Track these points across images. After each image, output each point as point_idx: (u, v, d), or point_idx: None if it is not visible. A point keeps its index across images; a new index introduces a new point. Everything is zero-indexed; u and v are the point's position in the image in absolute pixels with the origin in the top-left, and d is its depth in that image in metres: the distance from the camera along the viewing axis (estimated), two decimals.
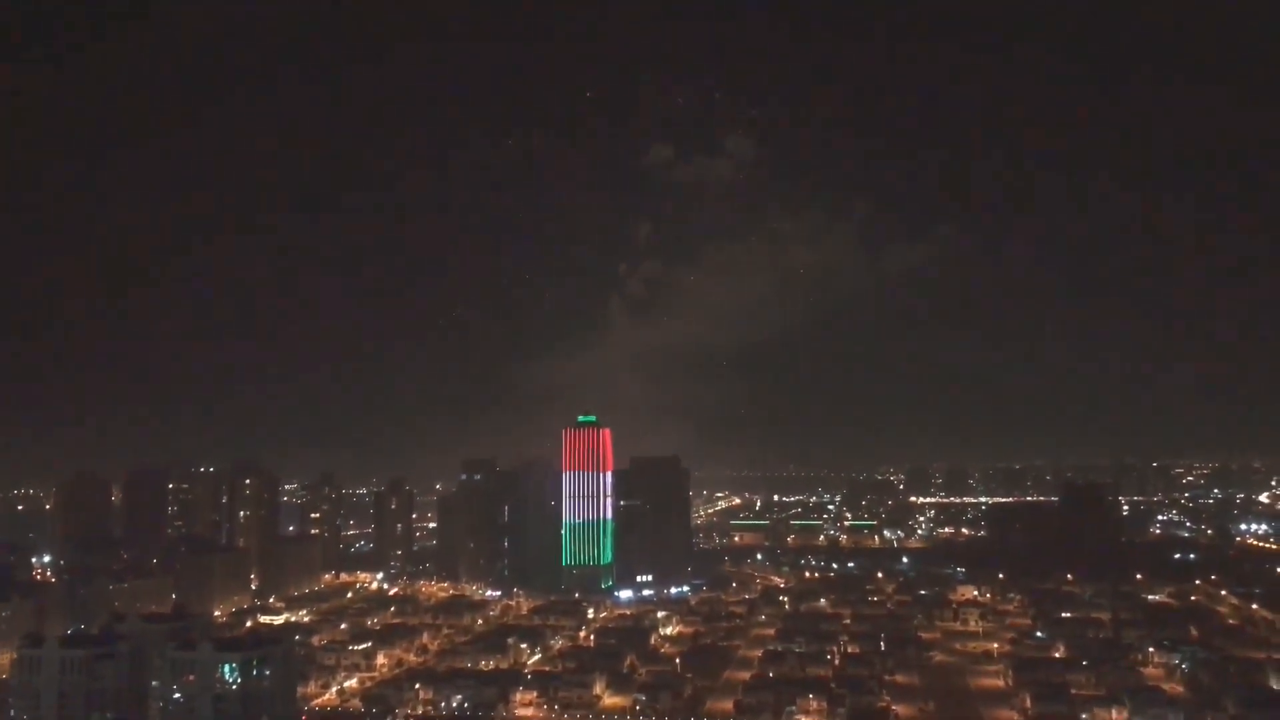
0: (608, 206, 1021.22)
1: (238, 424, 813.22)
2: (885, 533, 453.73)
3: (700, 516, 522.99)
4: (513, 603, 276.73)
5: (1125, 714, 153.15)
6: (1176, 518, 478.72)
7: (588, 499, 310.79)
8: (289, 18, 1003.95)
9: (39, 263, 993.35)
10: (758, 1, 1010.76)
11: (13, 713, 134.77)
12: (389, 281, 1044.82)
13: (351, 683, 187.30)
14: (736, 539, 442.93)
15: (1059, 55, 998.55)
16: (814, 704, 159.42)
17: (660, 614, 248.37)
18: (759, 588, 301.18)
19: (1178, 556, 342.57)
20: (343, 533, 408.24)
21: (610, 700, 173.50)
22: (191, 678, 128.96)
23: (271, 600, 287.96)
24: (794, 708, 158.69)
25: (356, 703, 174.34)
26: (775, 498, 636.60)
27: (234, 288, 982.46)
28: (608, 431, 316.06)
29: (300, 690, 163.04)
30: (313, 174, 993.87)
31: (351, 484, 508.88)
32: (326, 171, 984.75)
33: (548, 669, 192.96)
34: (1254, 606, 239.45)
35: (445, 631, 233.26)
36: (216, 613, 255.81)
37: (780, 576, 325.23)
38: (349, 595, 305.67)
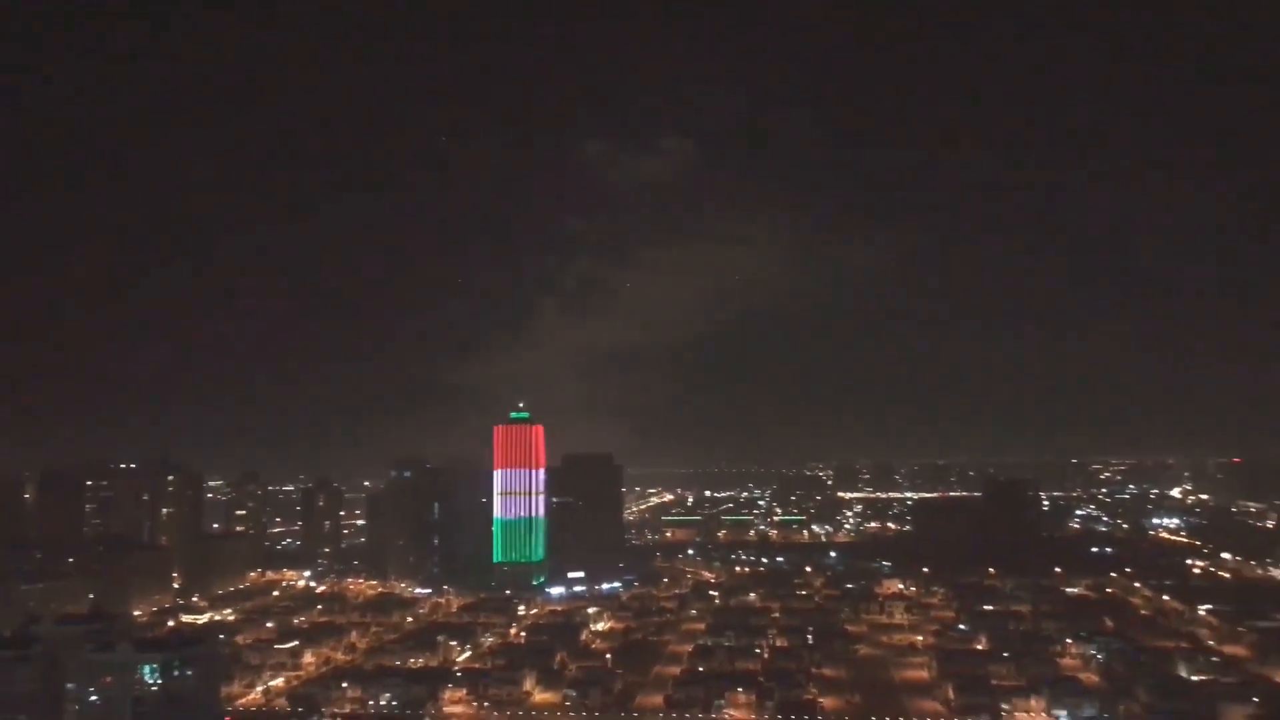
0: (542, 203, 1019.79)
1: (159, 421, 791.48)
2: (814, 527, 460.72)
3: (633, 513, 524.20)
4: (443, 600, 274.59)
5: (1043, 703, 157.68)
6: (1094, 513, 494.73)
7: (520, 496, 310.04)
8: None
9: None
10: None
11: None
12: (317, 278, 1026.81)
13: (278, 682, 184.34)
14: (668, 535, 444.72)
15: (1025, 49, 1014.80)
16: (743, 697, 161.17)
17: (591, 610, 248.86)
18: (690, 583, 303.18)
19: (1095, 550, 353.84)
20: (269, 530, 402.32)
21: (540, 697, 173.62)
22: (109, 679, 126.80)
23: (195, 599, 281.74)
24: (723, 701, 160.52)
25: (283, 702, 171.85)
26: (707, 493, 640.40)
27: (156, 285, 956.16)
28: (540, 428, 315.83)
29: (225, 690, 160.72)
30: (233, 172, 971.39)
31: (278, 481, 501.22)
32: (249, 169, 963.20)
33: (478, 666, 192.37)
34: (1165, 598, 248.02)
35: (374, 630, 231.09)
36: (137, 613, 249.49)
37: (711, 571, 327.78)
38: (275, 594, 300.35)
